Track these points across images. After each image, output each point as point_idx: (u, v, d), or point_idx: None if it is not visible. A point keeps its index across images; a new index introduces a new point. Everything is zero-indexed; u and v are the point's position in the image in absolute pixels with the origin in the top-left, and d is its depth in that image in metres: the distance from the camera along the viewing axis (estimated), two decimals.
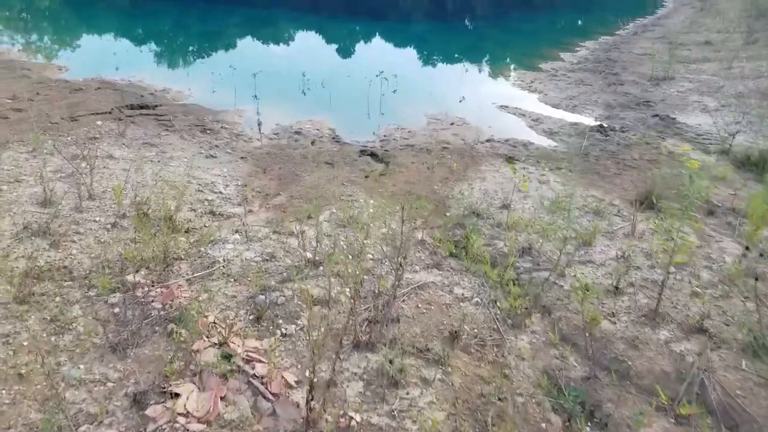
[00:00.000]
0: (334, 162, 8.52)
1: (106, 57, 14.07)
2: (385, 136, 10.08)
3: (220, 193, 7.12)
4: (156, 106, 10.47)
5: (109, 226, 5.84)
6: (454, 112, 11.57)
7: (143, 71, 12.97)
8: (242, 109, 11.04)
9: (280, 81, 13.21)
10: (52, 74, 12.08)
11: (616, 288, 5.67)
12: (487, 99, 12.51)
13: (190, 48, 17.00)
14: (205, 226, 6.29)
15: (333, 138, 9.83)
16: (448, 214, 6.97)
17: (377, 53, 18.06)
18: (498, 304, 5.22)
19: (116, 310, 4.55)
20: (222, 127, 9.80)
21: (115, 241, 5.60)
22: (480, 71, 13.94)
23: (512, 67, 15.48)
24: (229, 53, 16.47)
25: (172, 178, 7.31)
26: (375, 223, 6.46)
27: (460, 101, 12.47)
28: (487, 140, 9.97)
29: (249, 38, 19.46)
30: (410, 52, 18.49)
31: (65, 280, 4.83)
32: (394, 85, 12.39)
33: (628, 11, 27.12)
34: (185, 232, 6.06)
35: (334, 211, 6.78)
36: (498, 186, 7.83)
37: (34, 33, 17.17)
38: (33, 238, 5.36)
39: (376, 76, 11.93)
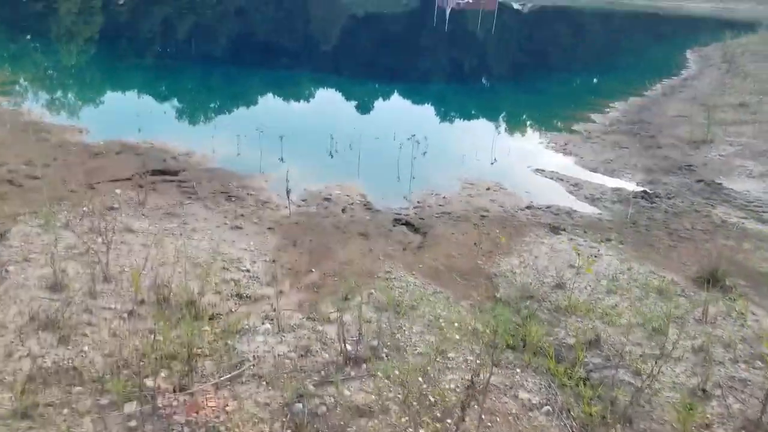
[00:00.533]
0: (368, 233, 7.94)
1: (128, 118, 13.84)
2: (418, 202, 9.54)
3: (247, 270, 6.53)
4: (179, 171, 10.05)
5: (125, 315, 5.24)
6: (488, 176, 11.05)
7: (166, 133, 12.67)
8: (268, 174, 10.59)
9: (306, 143, 12.84)
10: (71, 137, 11.79)
11: (703, 391, 4.93)
12: (521, 162, 12.01)
13: (214, 109, 16.82)
14: (231, 310, 5.68)
15: (364, 205, 9.30)
16: (498, 295, 6.30)
17: (402, 114, 17.78)
18: (571, 412, 4.48)
19: (132, 423, 3.89)
20: (248, 194, 9.32)
21: (132, 334, 4.98)
22: (510, 133, 13.53)
23: (542, 128, 15.05)
24: (253, 114, 16.25)
25: (195, 254, 6.76)
26: (421, 308, 5.81)
27: (492, 164, 11.98)
28: (527, 207, 9.38)
29: (272, 98, 19.34)
30: (435, 113, 18.20)
31: (74, 385, 4.20)
32: (423, 147, 11.97)
33: (649, 72, 26.98)
34: (210, 319, 5.45)
35: (373, 292, 6.15)
36: (548, 260, 7.18)
37: (55, 92, 17.16)
38: (40, 332, 4.77)
39: (408, 139, 11.51)
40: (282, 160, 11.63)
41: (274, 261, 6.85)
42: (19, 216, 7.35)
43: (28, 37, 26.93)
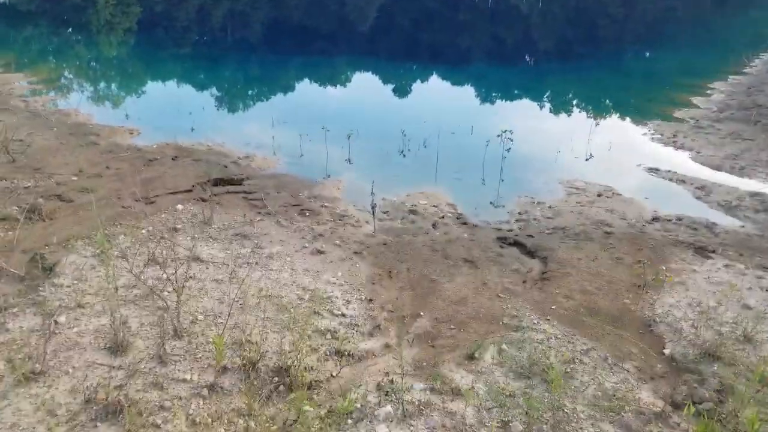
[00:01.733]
0: (474, 258, 6.66)
1: (179, 116, 12.87)
2: (520, 213, 8.20)
3: (342, 315, 5.35)
4: (242, 179, 8.95)
5: (205, 391, 4.12)
6: (592, 177, 9.60)
7: (221, 133, 11.63)
8: (339, 180, 9.42)
9: (372, 140, 11.58)
10: (122, 139, 10.85)
11: None
12: (627, 159, 10.49)
13: (263, 102, 15.72)
14: (332, 375, 4.51)
15: (457, 218, 8.02)
16: (666, 352, 4.95)
17: (470, 103, 16.27)
18: None
19: None
20: (322, 206, 8.15)
21: (215, 420, 3.87)
22: (602, 122, 11.95)
23: (638, 115, 13.41)
24: (306, 106, 15.03)
25: (277, 291, 5.63)
26: (578, 376, 4.52)
27: (590, 160, 10.51)
28: (654, 219, 7.93)
29: (323, 88, 18.11)
30: (506, 101, 16.63)
31: None
32: (506, 143, 10.60)
33: (738, 45, 24.74)
34: (308, 388, 4.30)
35: (505, 347, 4.89)
36: (712, 298, 5.76)
37: (102, 89, 16.38)
38: (97, 424, 3.69)
39: (492, 135, 10.12)
40: (350, 161, 10.44)
41: (371, 300, 5.66)
42: (70, 242, 6.36)
43: (69, 30, 26.43)
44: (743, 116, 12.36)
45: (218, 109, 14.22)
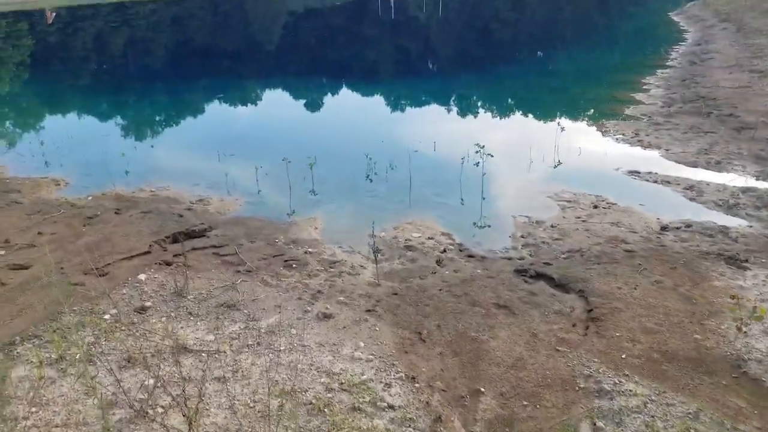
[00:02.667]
0: (505, 301, 5.69)
1: (109, 159, 11.14)
2: (523, 237, 7.33)
3: (389, 407, 4.21)
4: (205, 230, 7.55)
5: None
6: (578, 186, 8.91)
7: (162, 174, 10.08)
8: (312, 217, 8.21)
9: (332, 166, 10.39)
10: (49, 193, 9.11)
11: None
12: (602, 163, 9.92)
13: (201, 133, 14.10)
14: None
15: (460, 250, 7.04)
16: None
17: (411, 117, 15.35)
18: None
19: None
20: (306, 253, 6.93)
21: None
22: (558, 125, 11.34)
23: (590, 116, 13.01)
24: (248, 135, 13.56)
25: (296, 382, 4.41)
26: None
27: (562, 167, 9.84)
28: (663, 228, 7.28)
29: (251, 111, 16.66)
30: (452, 112, 15.69)
31: None
32: (472, 156, 9.79)
33: (649, 41, 25.40)
34: None
35: (600, 424, 3.93)
36: None
37: (8, 134, 14.21)
38: None
39: (476, 152, 9.15)
40: (314, 192, 9.26)
41: (413, 378, 4.55)
42: (15, 346, 4.83)
43: None
44: (693, 109, 12.18)
45: (151, 146, 12.52)
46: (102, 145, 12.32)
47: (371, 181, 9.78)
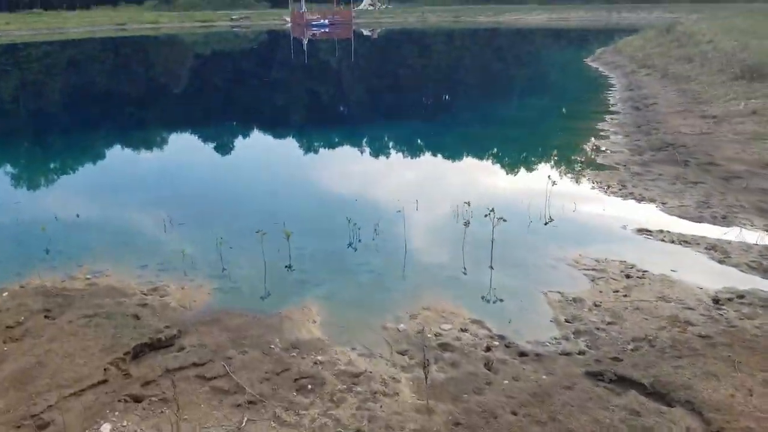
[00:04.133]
0: (607, 427, 4.38)
1: (20, 233, 8.96)
2: (569, 321, 6.12)
3: None
4: (174, 336, 5.73)
5: None
6: (593, 251, 7.89)
7: (97, 254, 8.07)
8: (305, 307, 6.59)
9: (305, 231, 8.77)
10: None
11: None
12: (604, 220, 9.04)
13: (137, 193, 11.97)
14: None
15: (506, 346, 5.70)
16: None
17: (377, 169, 14.01)
18: None
19: None
20: (316, 364, 5.34)
21: None
22: (549, 177, 10.12)
23: (563, 167, 12.27)
24: (187, 195, 11.59)
25: None
26: None
27: (558, 226, 8.85)
28: (716, 302, 6.36)
29: (184, 165, 14.72)
30: (423, 163, 14.24)
31: None
32: (461, 214, 8.62)
33: (574, 86, 25.88)
34: None
35: None
36: None
37: None
38: None
39: (485, 216, 7.90)
40: (290, 268, 7.68)
41: None
42: None
43: None
44: (666, 157, 11.75)
45: (76, 215, 10.14)
46: (11, 214, 10.01)
47: (355, 249, 8.31)
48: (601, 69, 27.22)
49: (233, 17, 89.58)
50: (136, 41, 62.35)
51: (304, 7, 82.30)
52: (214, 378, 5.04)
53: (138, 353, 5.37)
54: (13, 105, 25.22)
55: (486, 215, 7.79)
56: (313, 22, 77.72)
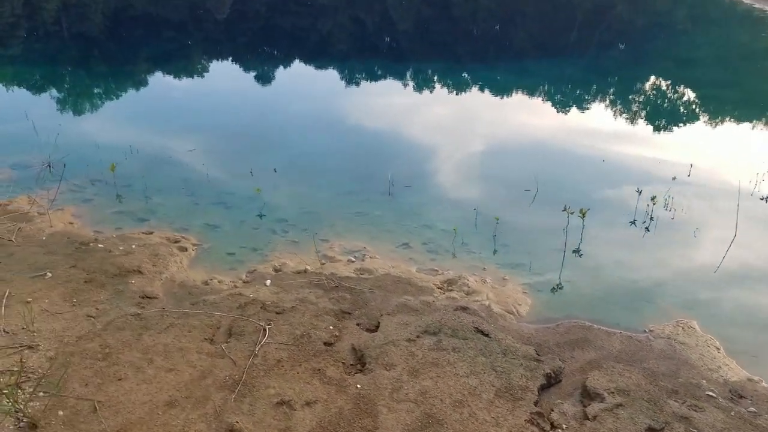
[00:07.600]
0: None
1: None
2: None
3: None
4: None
5: None
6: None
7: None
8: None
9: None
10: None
11: None
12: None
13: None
14: None
15: None
16: None
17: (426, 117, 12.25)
18: None
19: None
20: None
21: None
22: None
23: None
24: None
25: None
26: None
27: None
28: None
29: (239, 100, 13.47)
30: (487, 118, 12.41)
31: None
32: (525, 182, 7.75)
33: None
34: None
35: None
36: None
37: None
38: None
39: (562, 210, 6.62)
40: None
41: None
42: None
43: None
44: None
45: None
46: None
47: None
48: None
49: None
50: None
51: None
52: None
53: None
54: (55, 26, 23.60)
55: (563, 210, 6.79)
56: None
